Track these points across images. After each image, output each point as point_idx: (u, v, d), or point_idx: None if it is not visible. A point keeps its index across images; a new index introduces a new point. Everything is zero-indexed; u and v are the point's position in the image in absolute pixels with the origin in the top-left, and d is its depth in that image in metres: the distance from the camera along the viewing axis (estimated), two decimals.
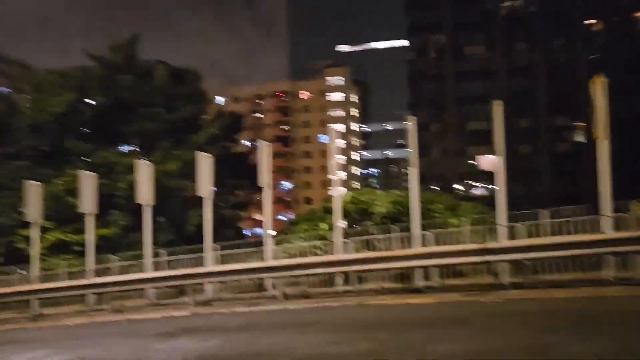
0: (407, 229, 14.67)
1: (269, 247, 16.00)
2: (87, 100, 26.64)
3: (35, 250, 19.06)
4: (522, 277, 11.84)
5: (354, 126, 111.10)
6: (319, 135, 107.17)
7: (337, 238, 14.90)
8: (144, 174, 17.32)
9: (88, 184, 18.00)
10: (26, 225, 25.08)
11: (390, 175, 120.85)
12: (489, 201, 17.95)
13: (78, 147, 25.49)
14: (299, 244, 17.56)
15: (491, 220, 13.53)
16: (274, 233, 16.80)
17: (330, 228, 19.42)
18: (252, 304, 14.90)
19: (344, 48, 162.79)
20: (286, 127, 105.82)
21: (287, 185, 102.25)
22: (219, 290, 17.11)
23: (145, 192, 17.36)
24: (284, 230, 24.07)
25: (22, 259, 24.59)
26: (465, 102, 61.74)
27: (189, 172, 25.89)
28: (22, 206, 24.72)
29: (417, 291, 12.85)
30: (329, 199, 20.08)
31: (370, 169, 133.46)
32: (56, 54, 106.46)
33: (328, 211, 20.04)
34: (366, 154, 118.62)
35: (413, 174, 13.72)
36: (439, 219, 16.22)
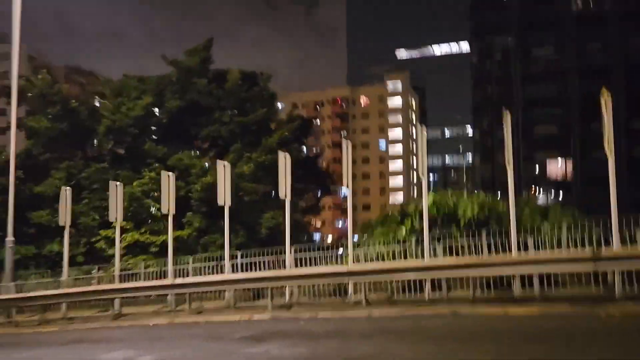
0: (495, 234, 13.94)
1: (350, 250, 15.61)
2: (163, 104, 27.20)
3: (116, 249, 19.44)
4: (636, 288, 10.88)
5: (413, 132, 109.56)
6: (378, 140, 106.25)
7: (425, 242, 14.31)
8: (223, 175, 17.30)
9: (167, 184, 18.15)
10: (106, 225, 25.98)
11: (449, 181, 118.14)
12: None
13: (154, 149, 26.09)
14: (378, 248, 17.00)
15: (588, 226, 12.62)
16: (355, 237, 16.35)
17: (410, 232, 18.84)
18: (334, 309, 14.50)
19: (402, 53, 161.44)
20: (344, 133, 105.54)
21: (345, 191, 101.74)
22: (297, 295, 16.84)
23: (224, 194, 17.33)
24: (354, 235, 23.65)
25: (102, 259, 25.41)
26: (533, 105, 59.44)
27: (261, 174, 26.22)
28: (104, 206, 25.63)
29: (515, 301, 12.06)
30: (407, 201, 19.51)
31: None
32: (127, 65, 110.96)
33: (406, 214, 19.46)
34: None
35: (510, 175, 12.95)
36: (529, 224, 15.29)
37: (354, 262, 15.42)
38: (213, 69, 28.69)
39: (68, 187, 19.88)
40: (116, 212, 19.34)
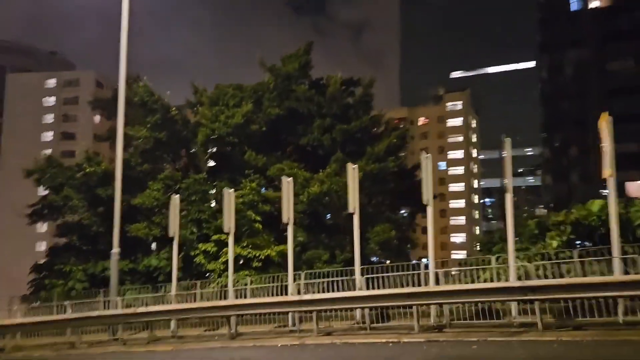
0: None
1: (511, 265, 13.32)
2: (261, 111, 25.89)
3: (230, 260, 17.92)
4: None
5: (474, 153, 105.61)
6: (437, 162, 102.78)
7: (614, 252, 11.84)
8: (353, 179, 15.52)
9: (287, 191, 16.55)
10: (205, 239, 24.75)
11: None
12: None
13: (254, 159, 24.73)
14: (522, 263, 14.56)
15: None
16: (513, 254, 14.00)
17: (561, 245, 16.41)
18: (502, 332, 12.20)
19: (456, 74, 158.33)
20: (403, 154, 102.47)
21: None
22: (439, 315, 14.62)
23: (353, 199, 15.50)
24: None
25: (200, 275, 24.13)
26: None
27: (368, 184, 24.32)
28: (202, 219, 24.48)
29: None
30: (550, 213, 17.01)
31: (486, 199, 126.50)
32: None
33: (556, 225, 17.02)
34: (482, 182, 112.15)
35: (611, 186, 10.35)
36: None
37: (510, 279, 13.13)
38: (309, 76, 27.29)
39: (177, 195, 18.66)
40: (230, 221, 17.90)
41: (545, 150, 65.18)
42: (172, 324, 17.89)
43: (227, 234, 24.02)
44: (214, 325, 18.14)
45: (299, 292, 16.25)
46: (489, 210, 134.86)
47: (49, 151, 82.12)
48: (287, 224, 16.69)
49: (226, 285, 20.62)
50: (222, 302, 16.77)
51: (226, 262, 23.99)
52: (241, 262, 23.30)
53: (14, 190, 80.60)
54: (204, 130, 24.64)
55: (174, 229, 18.64)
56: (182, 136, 25.98)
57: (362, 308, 14.80)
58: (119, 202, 19.40)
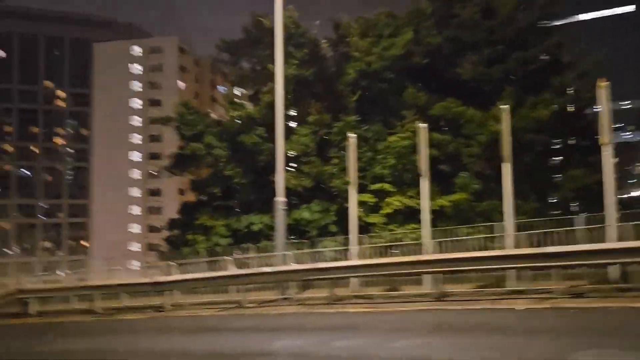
0: None
1: None
2: (418, 42, 22.19)
3: (424, 208, 14.88)
4: None
5: None
6: None
7: None
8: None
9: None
10: (361, 188, 21.90)
11: None
12: None
13: (414, 97, 21.35)
14: None
15: None
16: None
17: None
18: None
19: None
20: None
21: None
22: None
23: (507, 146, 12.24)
24: None
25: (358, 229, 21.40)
26: None
27: (551, 124, 20.34)
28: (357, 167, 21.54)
29: None
30: None
31: None
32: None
33: None
34: None
35: None
36: None
37: None
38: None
39: (353, 135, 15.79)
40: (424, 163, 14.86)
41: None
42: (353, 282, 15.38)
43: (390, 182, 21.42)
44: (394, 284, 15.43)
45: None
46: None
47: (139, 120, 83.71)
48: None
49: (392, 240, 17.92)
50: (426, 257, 13.78)
51: (389, 215, 21.32)
52: (403, 215, 20.25)
53: (107, 157, 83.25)
54: (357, 65, 21.45)
55: (352, 174, 15.83)
56: (329, 73, 22.94)
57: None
58: (281, 144, 16.87)
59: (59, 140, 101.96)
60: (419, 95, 21.32)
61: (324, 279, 15.07)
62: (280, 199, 16.71)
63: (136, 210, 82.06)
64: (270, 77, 24.28)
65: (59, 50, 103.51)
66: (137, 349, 9.47)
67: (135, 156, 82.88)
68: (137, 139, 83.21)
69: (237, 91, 28.92)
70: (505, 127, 13.98)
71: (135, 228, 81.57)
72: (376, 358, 6.77)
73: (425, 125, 15.10)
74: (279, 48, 16.50)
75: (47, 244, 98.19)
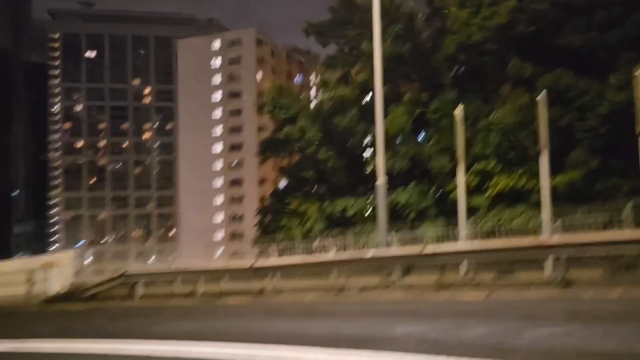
0: None
1: None
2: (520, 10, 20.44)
3: (543, 187, 13.51)
4: None
5: None
6: None
7: None
8: None
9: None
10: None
11: None
12: None
13: (519, 68, 19.75)
14: None
15: None
16: None
17: None
18: None
19: None
20: None
21: None
22: None
23: None
24: None
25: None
26: None
27: None
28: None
29: None
30: None
31: None
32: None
33: None
34: None
35: None
36: None
37: None
38: None
39: (459, 106, 14.65)
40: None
41: None
42: (463, 267, 14.29)
43: (494, 162, 19.95)
44: (507, 269, 14.17)
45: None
46: None
47: (219, 111, 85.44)
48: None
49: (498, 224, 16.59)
50: (548, 240, 12.45)
51: (493, 197, 19.94)
52: (509, 197, 18.81)
53: (191, 149, 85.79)
54: (456, 38, 20.11)
55: (460, 152, 14.70)
56: (424, 49, 21.74)
57: None
58: (381, 123, 15.98)
59: (147, 135, 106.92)
60: (524, 66, 19.66)
61: (432, 263, 14.15)
62: (381, 180, 15.85)
63: (219, 199, 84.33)
64: (361, 56, 23.58)
65: (144, 49, 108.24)
66: (253, 331, 9.06)
67: (218, 147, 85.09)
68: (218, 130, 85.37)
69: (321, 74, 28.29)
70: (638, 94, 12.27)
71: (219, 217, 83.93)
72: (522, 347, 5.84)
73: (544, 94, 13.68)
74: (377, 23, 15.55)
75: (139, 233, 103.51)
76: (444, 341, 6.62)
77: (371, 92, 20.42)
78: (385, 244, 15.52)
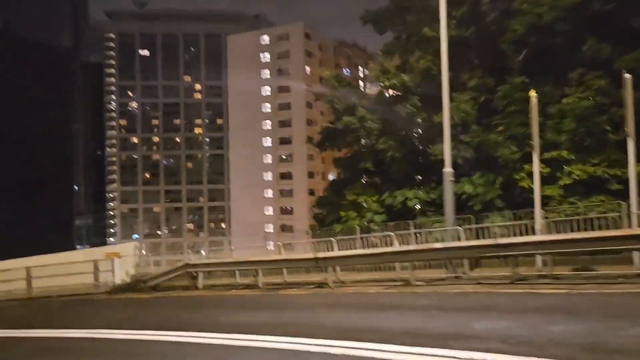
0: None
1: None
2: None
3: (631, 173, 12.50)
4: None
5: None
6: None
7: None
8: None
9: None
10: (529, 158, 19.75)
11: None
12: None
13: (596, 49, 18.52)
14: None
15: None
16: None
17: None
18: None
19: None
20: None
21: None
22: None
23: None
24: None
25: (526, 203, 19.27)
26: None
27: None
28: (525, 133, 19.45)
29: None
30: None
31: None
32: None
33: None
34: None
35: None
36: None
37: None
38: None
39: (533, 92, 13.70)
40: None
41: None
42: (538, 261, 13.52)
43: (567, 150, 18.85)
44: (586, 263, 13.30)
45: None
46: None
47: (268, 105, 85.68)
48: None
49: (573, 215, 15.52)
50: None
51: (567, 187, 18.82)
52: (586, 186, 17.62)
53: (241, 143, 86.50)
54: (525, 19, 19.05)
55: (535, 138, 13.82)
56: (490, 32, 20.73)
57: None
58: (447, 111, 15.23)
59: (198, 130, 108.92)
60: (601, 47, 18.40)
61: (505, 256, 13.35)
62: (448, 169, 15.15)
63: (269, 193, 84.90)
64: (421, 43, 22.81)
65: (195, 47, 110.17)
66: (322, 323, 8.67)
67: (267, 141, 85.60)
68: (268, 124, 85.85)
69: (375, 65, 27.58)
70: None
71: (269, 210, 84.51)
72: (625, 348, 5.18)
73: (629, 76, 12.62)
74: (443, 6, 14.80)
75: (191, 226, 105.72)
76: (533, 338, 6.03)
77: (433, 80, 19.63)
78: (453, 236, 14.83)
